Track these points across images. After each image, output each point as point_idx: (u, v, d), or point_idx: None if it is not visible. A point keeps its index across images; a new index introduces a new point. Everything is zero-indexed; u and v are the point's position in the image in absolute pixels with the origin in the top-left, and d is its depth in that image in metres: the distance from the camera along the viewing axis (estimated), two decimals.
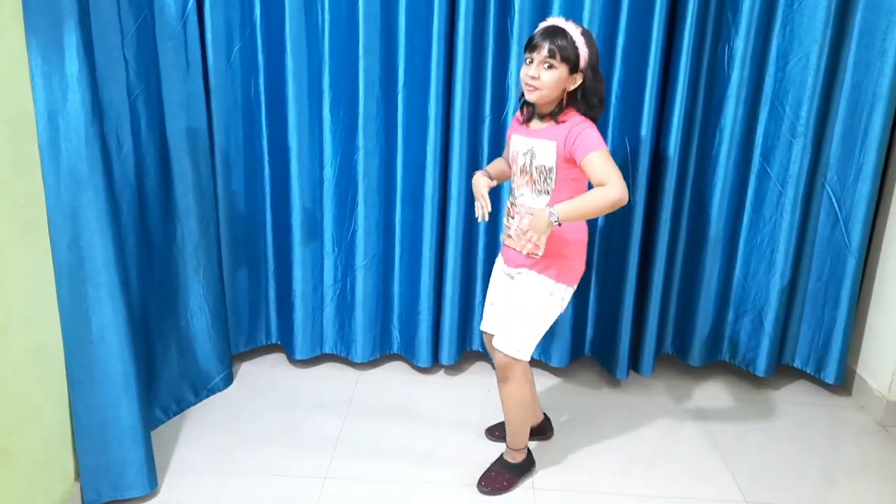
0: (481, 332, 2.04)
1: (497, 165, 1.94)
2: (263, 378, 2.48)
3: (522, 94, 1.74)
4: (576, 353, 2.53)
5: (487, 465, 1.96)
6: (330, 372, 2.53)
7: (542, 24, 1.71)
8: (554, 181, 1.72)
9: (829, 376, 2.41)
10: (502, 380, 1.84)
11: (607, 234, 2.38)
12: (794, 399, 2.45)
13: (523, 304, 1.79)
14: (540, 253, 1.76)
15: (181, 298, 2.19)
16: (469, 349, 2.57)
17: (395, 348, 2.56)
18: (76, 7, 1.46)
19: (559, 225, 1.63)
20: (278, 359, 2.61)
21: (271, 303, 2.54)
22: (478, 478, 1.93)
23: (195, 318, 2.24)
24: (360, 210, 2.34)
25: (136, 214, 1.93)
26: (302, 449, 2.07)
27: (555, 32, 1.66)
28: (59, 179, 1.54)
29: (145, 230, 2.01)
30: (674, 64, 2.18)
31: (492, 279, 1.96)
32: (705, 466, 2.05)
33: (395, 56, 2.22)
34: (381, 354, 2.55)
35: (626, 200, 1.60)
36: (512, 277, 1.86)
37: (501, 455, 1.97)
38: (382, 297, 2.48)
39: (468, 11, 2.12)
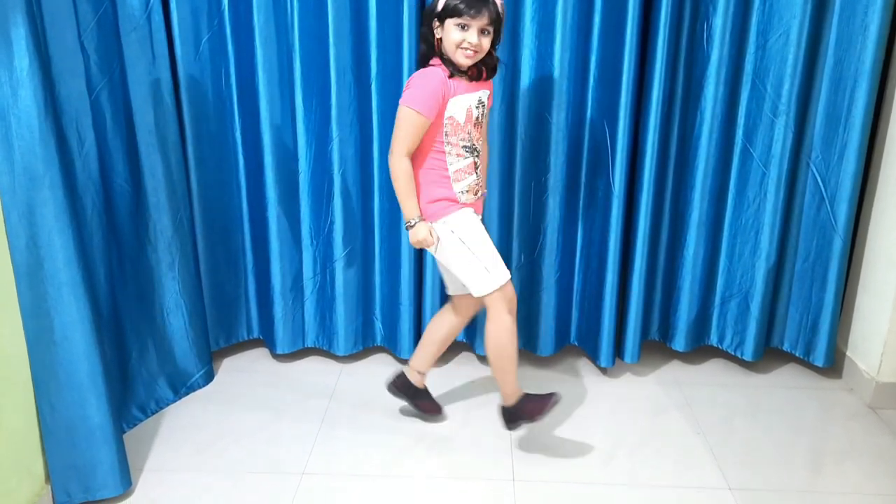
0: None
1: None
2: (245, 374, 2.45)
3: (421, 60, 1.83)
4: (561, 342, 2.50)
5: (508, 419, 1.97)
6: (312, 366, 2.50)
7: None
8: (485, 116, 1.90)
9: (819, 359, 2.37)
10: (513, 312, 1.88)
11: (589, 219, 2.34)
12: (783, 383, 2.41)
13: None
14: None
15: (156, 296, 2.16)
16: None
17: (379, 340, 2.53)
18: (23, 0, 1.42)
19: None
20: (260, 354, 2.58)
21: (251, 298, 2.51)
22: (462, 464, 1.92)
23: (171, 316, 2.20)
24: (337, 201, 2.30)
25: (101, 211, 1.89)
26: (281, 445, 2.04)
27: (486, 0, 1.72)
28: (14, 178, 1.50)
29: (113, 227, 1.98)
30: (651, 43, 2.12)
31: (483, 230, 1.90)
32: (690, 453, 2.01)
33: (366, 44, 2.17)
34: (363, 347, 2.52)
35: None
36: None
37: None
38: (363, 289, 2.45)
39: None
